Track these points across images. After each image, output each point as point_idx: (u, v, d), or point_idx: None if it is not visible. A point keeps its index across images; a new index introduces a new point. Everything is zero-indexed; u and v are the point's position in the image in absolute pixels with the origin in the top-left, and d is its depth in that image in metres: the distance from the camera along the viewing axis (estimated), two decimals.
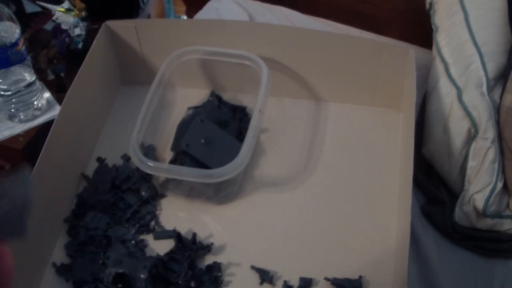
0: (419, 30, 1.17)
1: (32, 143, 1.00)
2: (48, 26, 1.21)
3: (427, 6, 1.12)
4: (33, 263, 0.76)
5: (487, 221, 0.85)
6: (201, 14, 1.35)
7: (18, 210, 0.50)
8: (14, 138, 1.00)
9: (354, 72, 0.94)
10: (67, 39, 1.14)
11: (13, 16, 0.94)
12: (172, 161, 0.88)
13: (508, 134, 0.84)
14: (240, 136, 0.90)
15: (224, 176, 0.77)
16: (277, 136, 0.94)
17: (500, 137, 0.85)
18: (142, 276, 0.73)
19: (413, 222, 0.85)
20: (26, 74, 0.99)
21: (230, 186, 0.85)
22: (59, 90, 1.08)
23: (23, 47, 0.96)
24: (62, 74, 1.12)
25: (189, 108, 0.96)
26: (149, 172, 0.80)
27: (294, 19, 1.30)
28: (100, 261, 0.77)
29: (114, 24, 0.95)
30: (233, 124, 0.92)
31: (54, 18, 1.17)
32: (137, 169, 0.84)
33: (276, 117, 0.96)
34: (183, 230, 0.81)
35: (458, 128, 0.87)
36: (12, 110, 1.01)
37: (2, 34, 0.93)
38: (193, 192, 0.86)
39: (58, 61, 1.15)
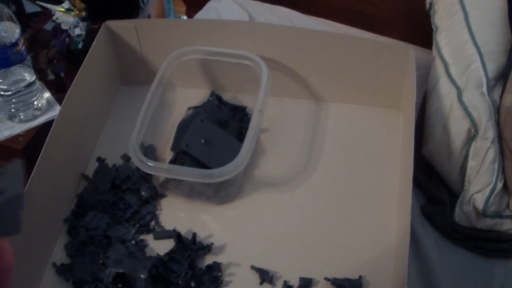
0: (419, 30, 1.17)
1: (32, 143, 1.00)
2: (48, 26, 1.21)
3: (427, 6, 1.12)
4: (33, 263, 0.76)
5: (487, 221, 0.85)
6: (201, 14, 1.35)
7: (11, 206, 0.49)
8: (14, 138, 1.00)
9: (354, 72, 0.94)
10: (67, 39, 1.14)
11: (13, 16, 0.94)
12: (172, 161, 0.88)
13: (508, 134, 0.84)
14: (240, 136, 0.90)
15: (224, 176, 0.77)
16: (277, 136, 0.94)
17: (500, 137, 0.85)
18: (142, 276, 0.73)
19: (413, 222, 0.85)
20: (26, 74, 0.99)
21: (230, 186, 0.86)
22: (59, 90, 1.08)
23: (23, 47, 0.96)
24: (62, 74, 1.12)
25: (189, 108, 0.96)
26: (149, 172, 0.80)
27: (294, 19, 1.30)
28: (100, 261, 0.77)
29: (114, 24, 0.95)
30: (233, 124, 0.92)
31: (54, 18, 1.17)
32: (137, 169, 0.84)
33: (276, 117, 0.96)
34: (183, 230, 0.81)
35: (458, 128, 0.87)
36: (12, 110, 1.01)
37: (2, 34, 0.93)
38: (193, 192, 0.86)
39: (58, 61, 1.15)
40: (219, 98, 0.99)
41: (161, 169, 0.82)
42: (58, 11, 1.15)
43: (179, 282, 0.74)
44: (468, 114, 0.85)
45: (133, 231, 0.82)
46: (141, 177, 0.86)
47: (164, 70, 0.90)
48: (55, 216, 0.82)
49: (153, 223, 0.83)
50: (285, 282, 0.76)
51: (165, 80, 0.90)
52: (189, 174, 0.79)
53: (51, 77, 1.12)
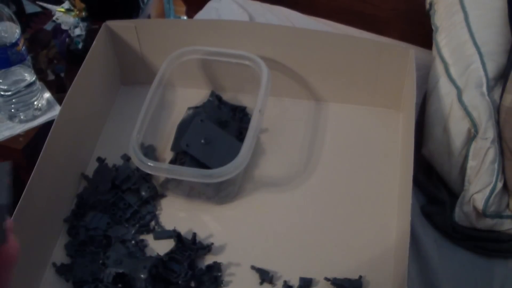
0: (419, 30, 1.17)
1: (32, 143, 1.00)
2: (48, 26, 1.21)
3: (427, 6, 1.12)
4: (33, 263, 0.76)
5: (487, 221, 0.85)
6: (201, 14, 1.35)
7: None
8: (14, 138, 1.00)
9: (354, 72, 0.94)
10: (67, 39, 1.14)
11: (13, 16, 0.94)
12: (172, 161, 0.88)
13: (508, 134, 0.84)
14: (240, 136, 0.90)
15: (224, 176, 0.77)
16: (277, 136, 0.94)
17: (500, 137, 0.85)
18: (142, 276, 0.73)
19: (413, 222, 0.85)
20: (26, 74, 0.99)
21: (230, 186, 0.86)
22: (59, 90, 1.08)
23: (23, 47, 0.96)
24: (62, 74, 1.12)
25: (189, 108, 0.97)
26: (149, 172, 0.80)
27: (294, 19, 1.30)
28: (100, 261, 0.77)
29: (114, 24, 0.95)
30: (233, 124, 0.92)
31: (54, 18, 1.17)
32: (137, 169, 0.84)
33: (276, 117, 0.96)
34: (183, 230, 0.81)
35: (458, 128, 0.87)
36: (12, 110, 1.01)
37: (2, 34, 0.93)
38: (193, 192, 0.86)
39: (58, 61, 1.15)
40: (219, 98, 0.99)
41: (161, 169, 0.82)
42: (58, 11, 1.15)
43: (179, 282, 0.74)
44: (468, 114, 0.85)
45: (133, 231, 0.82)
46: (141, 177, 0.86)
47: (164, 70, 0.90)
48: (55, 216, 0.82)
49: (153, 223, 0.83)
50: (285, 282, 0.76)
51: (165, 80, 0.90)
52: (189, 174, 0.79)
53: (51, 77, 1.12)
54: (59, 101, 1.05)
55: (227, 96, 1.00)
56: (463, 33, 0.94)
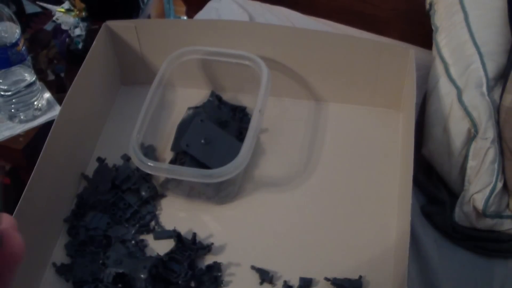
0: (419, 30, 1.17)
1: (32, 143, 1.00)
2: (48, 26, 1.22)
3: (427, 6, 1.12)
4: (33, 263, 0.76)
5: (487, 221, 0.85)
6: (201, 15, 1.35)
7: None
8: (14, 138, 1.00)
9: (354, 72, 0.94)
10: (67, 39, 1.14)
11: (13, 16, 0.94)
12: (172, 161, 0.88)
13: (508, 134, 0.84)
14: (240, 136, 0.90)
15: (224, 176, 0.77)
16: (277, 136, 0.94)
17: (500, 137, 0.85)
18: (142, 276, 0.73)
19: (413, 222, 0.85)
20: (26, 75, 0.99)
21: (230, 186, 0.86)
22: (59, 90, 1.08)
23: (23, 48, 0.96)
24: (62, 74, 1.12)
25: (189, 108, 0.97)
26: (149, 172, 0.80)
27: (294, 19, 1.30)
28: (100, 261, 0.77)
29: (114, 24, 0.95)
30: (233, 124, 0.92)
31: (54, 18, 1.17)
32: (137, 169, 0.84)
33: (276, 117, 0.96)
34: (183, 230, 0.81)
35: (458, 128, 0.87)
36: (12, 111, 1.01)
37: (2, 34, 0.93)
38: (193, 192, 0.86)
39: (58, 61, 1.15)
40: (219, 98, 0.99)
41: (161, 169, 0.82)
42: (58, 11, 1.15)
43: (179, 282, 0.74)
44: (468, 114, 0.85)
45: (133, 231, 0.82)
46: (141, 177, 0.86)
47: (164, 70, 0.90)
48: (55, 216, 0.82)
49: (153, 223, 0.83)
50: (285, 282, 0.76)
51: (165, 80, 0.90)
52: (189, 174, 0.79)
53: (51, 77, 1.12)
54: (59, 101, 1.05)
55: (227, 96, 1.00)
56: (463, 33, 0.94)
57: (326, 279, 0.75)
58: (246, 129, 0.82)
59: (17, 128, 1.01)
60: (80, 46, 1.14)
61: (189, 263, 0.76)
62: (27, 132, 1.01)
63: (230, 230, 0.83)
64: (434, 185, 0.93)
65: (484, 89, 0.87)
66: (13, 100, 1.00)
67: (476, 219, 0.85)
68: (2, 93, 0.98)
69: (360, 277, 0.75)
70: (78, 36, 1.14)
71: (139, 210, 0.84)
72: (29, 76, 0.99)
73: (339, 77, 0.95)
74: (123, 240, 0.80)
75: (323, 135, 0.94)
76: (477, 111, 0.85)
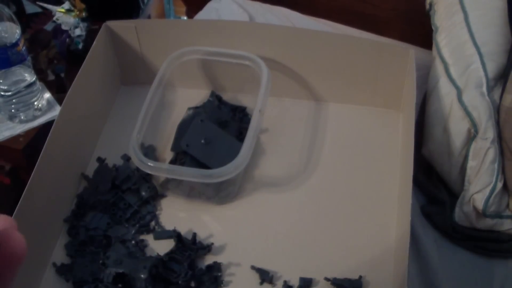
0: (419, 30, 1.17)
1: (32, 144, 1.00)
2: (49, 26, 1.22)
3: (427, 6, 1.12)
4: (33, 263, 0.76)
5: (487, 221, 0.85)
6: (201, 15, 1.35)
7: None
8: (15, 138, 1.00)
9: (354, 72, 0.94)
10: (67, 39, 1.14)
11: (14, 17, 0.94)
12: (172, 161, 0.88)
13: (508, 134, 0.84)
14: (240, 136, 0.90)
15: (224, 176, 0.77)
16: (277, 136, 0.94)
17: (500, 137, 0.85)
18: (142, 276, 0.73)
19: (413, 222, 0.85)
20: (26, 75, 0.99)
21: (230, 186, 0.86)
22: (59, 91, 1.08)
23: (24, 48, 0.97)
24: (62, 75, 1.12)
25: (189, 108, 0.97)
26: (149, 172, 0.80)
27: (294, 20, 1.30)
28: (100, 261, 0.77)
29: (114, 25, 0.95)
30: (233, 124, 0.92)
31: (54, 18, 1.17)
32: (137, 169, 0.84)
33: (276, 117, 0.96)
34: (183, 230, 0.81)
35: (458, 128, 0.87)
36: (13, 111, 1.01)
37: (3, 34, 0.93)
38: (193, 192, 0.86)
39: (58, 62, 1.15)
40: (219, 98, 0.99)
41: (161, 169, 0.82)
42: (59, 11, 1.16)
43: (179, 282, 0.74)
44: (468, 114, 0.85)
45: (133, 231, 0.82)
46: (141, 177, 0.86)
47: (164, 70, 0.90)
48: (55, 216, 0.82)
49: (153, 223, 0.83)
50: (285, 282, 0.76)
51: (165, 80, 0.90)
52: (189, 174, 0.79)
53: (51, 77, 1.12)
54: (59, 101, 1.05)
55: (227, 96, 1.00)
56: (463, 33, 0.94)
57: (326, 279, 0.75)
58: (246, 129, 0.82)
59: (17, 128, 1.01)
60: (80, 46, 1.14)
61: (189, 263, 0.76)
62: (27, 132, 1.01)
63: (230, 230, 0.83)
64: (434, 185, 0.93)
65: (484, 89, 0.87)
66: (13, 100, 1.00)
67: (476, 219, 0.85)
68: (2, 93, 0.98)
69: (360, 277, 0.75)
70: (78, 36, 1.14)
71: (139, 210, 0.84)
72: (29, 76, 0.99)
73: (339, 77, 0.95)
74: (123, 240, 0.80)
75: (323, 135, 0.94)
76: (477, 111, 0.85)
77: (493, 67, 0.89)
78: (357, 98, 0.97)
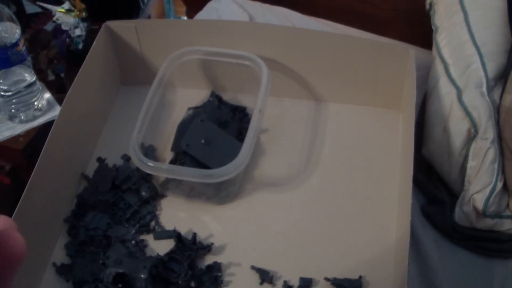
0: (419, 30, 1.17)
1: (32, 144, 1.00)
2: (49, 26, 1.22)
3: (427, 6, 1.12)
4: (33, 263, 0.76)
5: (487, 221, 0.85)
6: (201, 15, 1.35)
7: None
8: (15, 138, 1.00)
9: (354, 72, 0.94)
10: (67, 39, 1.14)
11: (14, 17, 0.94)
12: (172, 161, 0.88)
13: (508, 134, 0.84)
14: (240, 136, 0.90)
15: (224, 176, 0.77)
16: (277, 136, 0.94)
17: (500, 137, 0.85)
18: (142, 276, 0.73)
19: (413, 222, 0.85)
20: (26, 75, 0.99)
21: (230, 186, 0.86)
22: (59, 91, 1.08)
23: (24, 48, 0.97)
24: (62, 75, 1.12)
25: (189, 109, 0.97)
26: (149, 172, 0.80)
27: (294, 20, 1.30)
28: (100, 261, 0.77)
29: (114, 25, 0.95)
30: (233, 124, 0.92)
31: (54, 18, 1.17)
32: (137, 169, 0.84)
33: (276, 117, 0.96)
34: (183, 230, 0.81)
35: (458, 128, 0.87)
36: (13, 111, 1.01)
37: (3, 34, 0.93)
38: (193, 192, 0.86)
39: (58, 62, 1.15)
40: (219, 99, 0.99)
41: (161, 169, 0.82)
42: (59, 11, 1.16)
43: (179, 282, 0.74)
44: (468, 114, 0.85)
45: (133, 231, 0.82)
46: (141, 177, 0.86)
47: (164, 70, 0.90)
48: (55, 216, 0.82)
49: (153, 223, 0.83)
50: (285, 282, 0.76)
51: (165, 80, 0.90)
52: (189, 174, 0.79)
53: (51, 77, 1.12)
54: (59, 101, 1.05)
55: (227, 96, 1.00)
56: (463, 33, 0.94)
57: (326, 279, 0.75)
58: (246, 129, 0.82)
59: (17, 128, 1.01)
60: (80, 46, 1.14)
61: (189, 263, 0.76)
62: (27, 132, 1.01)
63: (230, 230, 0.83)
64: (434, 185, 0.93)
65: (484, 89, 0.87)
66: (13, 100, 1.00)
67: (476, 219, 0.85)
68: (2, 93, 0.98)
69: (360, 277, 0.75)
70: (78, 36, 1.14)
71: (139, 210, 0.84)
72: (29, 76, 0.99)
73: (339, 77, 0.95)
74: (123, 240, 0.80)
75: (323, 135, 0.94)
76: (477, 111, 0.85)
77: (493, 67, 0.89)
78: (357, 98, 0.97)
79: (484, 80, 0.88)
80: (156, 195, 0.86)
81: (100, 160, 0.91)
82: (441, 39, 0.99)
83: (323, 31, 1.12)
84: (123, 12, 1.28)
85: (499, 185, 0.83)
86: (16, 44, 0.94)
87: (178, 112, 0.96)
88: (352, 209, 0.84)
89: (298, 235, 0.82)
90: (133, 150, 0.80)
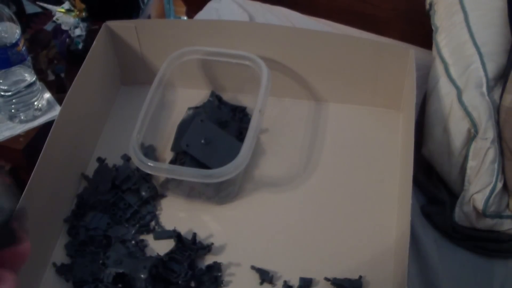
0: (419, 30, 1.17)
1: (32, 144, 1.00)
2: (49, 26, 1.22)
3: (427, 6, 1.12)
4: (33, 263, 0.76)
5: (487, 221, 0.85)
6: (201, 15, 1.35)
7: (5, 221, 0.48)
8: (15, 138, 1.00)
9: (354, 72, 0.94)
10: (67, 39, 1.14)
11: (14, 17, 0.94)
12: (172, 161, 0.88)
13: (508, 134, 0.84)
14: (240, 136, 0.90)
15: (224, 176, 0.77)
16: (277, 136, 0.94)
17: (500, 137, 0.85)
18: (142, 276, 0.73)
19: (413, 222, 0.85)
20: (26, 75, 0.99)
21: (230, 186, 0.86)
22: (59, 91, 1.08)
23: (24, 48, 0.96)
24: (62, 75, 1.12)
25: (189, 109, 0.97)
26: (149, 172, 0.80)
27: (294, 19, 1.30)
28: (100, 261, 0.77)
29: (114, 25, 0.95)
30: (233, 124, 0.92)
31: (54, 18, 1.17)
32: (137, 169, 0.84)
33: (276, 117, 0.96)
34: (183, 230, 0.81)
35: (458, 128, 0.87)
36: (13, 111, 1.01)
37: (3, 34, 0.93)
38: (193, 192, 0.86)
39: (58, 62, 1.15)
40: (219, 99, 0.99)
41: (161, 169, 0.82)
42: (59, 11, 1.16)
43: (179, 282, 0.74)
44: (468, 114, 0.85)
45: (133, 231, 0.82)
46: (141, 177, 0.86)
47: (164, 70, 0.90)
48: (55, 216, 0.82)
49: (153, 223, 0.83)
50: (285, 282, 0.76)
51: (165, 80, 0.90)
52: (189, 174, 0.79)
53: (51, 77, 1.12)
54: (59, 101, 1.05)
55: (227, 96, 1.00)
56: (463, 33, 0.94)
57: (326, 279, 0.75)
58: (246, 129, 0.82)
59: (17, 128, 1.01)
60: (80, 46, 1.14)
61: (189, 263, 0.76)
62: (27, 132, 1.01)
63: (230, 230, 0.83)
64: (434, 185, 0.93)
65: (484, 89, 0.87)
66: (13, 100, 1.00)
67: (476, 219, 0.85)
68: (2, 93, 0.98)
69: (360, 277, 0.75)
70: (78, 36, 1.14)
71: (139, 210, 0.84)
72: (29, 76, 0.99)
73: (339, 77, 0.95)
74: (123, 240, 0.80)
75: (323, 135, 0.94)
76: (477, 111, 0.85)
77: (493, 67, 0.89)
78: (357, 98, 0.97)
79: (484, 80, 0.88)
80: (156, 195, 0.86)
81: (100, 160, 0.91)
82: (441, 39, 0.99)
83: (323, 31, 1.12)
84: (123, 12, 1.28)
85: (499, 185, 0.83)
86: (16, 44, 0.94)
87: (178, 112, 0.96)
88: (352, 209, 0.84)
89: (298, 235, 0.82)
90: (133, 150, 0.80)
